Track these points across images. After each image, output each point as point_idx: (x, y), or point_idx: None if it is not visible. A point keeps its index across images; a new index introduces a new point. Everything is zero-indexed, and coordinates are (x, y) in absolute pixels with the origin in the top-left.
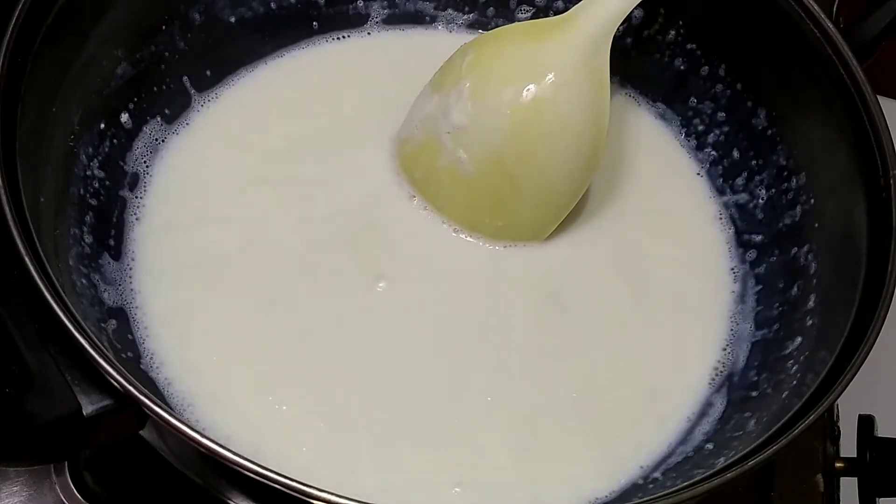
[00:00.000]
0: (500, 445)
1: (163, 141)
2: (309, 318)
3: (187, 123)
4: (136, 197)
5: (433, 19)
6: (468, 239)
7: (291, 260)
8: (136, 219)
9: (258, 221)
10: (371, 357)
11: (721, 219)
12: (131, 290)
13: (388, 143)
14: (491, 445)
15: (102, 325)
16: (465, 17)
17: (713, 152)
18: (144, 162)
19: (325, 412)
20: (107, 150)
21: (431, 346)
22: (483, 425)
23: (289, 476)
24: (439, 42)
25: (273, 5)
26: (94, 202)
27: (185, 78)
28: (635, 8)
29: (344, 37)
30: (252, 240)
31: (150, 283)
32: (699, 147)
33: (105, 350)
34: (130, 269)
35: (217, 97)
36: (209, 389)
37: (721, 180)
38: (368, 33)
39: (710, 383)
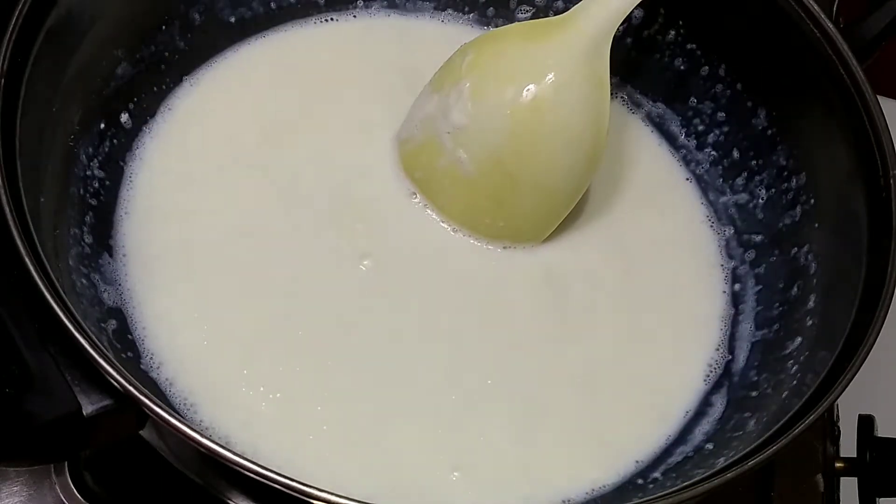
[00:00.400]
0: (499, 432)
1: (148, 130)
2: (302, 308)
3: (169, 108)
4: (126, 190)
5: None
6: (467, 239)
7: (284, 252)
8: (125, 213)
9: (244, 209)
10: (373, 357)
11: (719, 219)
12: (128, 288)
13: (380, 127)
14: (490, 432)
15: (102, 325)
16: (465, 16)
17: (713, 152)
18: (140, 157)
19: (325, 401)
20: (107, 150)
21: (431, 342)
22: (482, 412)
23: (289, 476)
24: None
25: (273, 5)
26: (93, 202)
27: (185, 78)
28: (635, 8)
29: (331, 19)
30: (241, 229)
31: (145, 278)
32: (699, 147)
33: (105, 350)
34: (125, 265)
35: (198, 80)
36: (207, 386)
37: (721, 180)
38: (354, 16)
39: (705, 380)
